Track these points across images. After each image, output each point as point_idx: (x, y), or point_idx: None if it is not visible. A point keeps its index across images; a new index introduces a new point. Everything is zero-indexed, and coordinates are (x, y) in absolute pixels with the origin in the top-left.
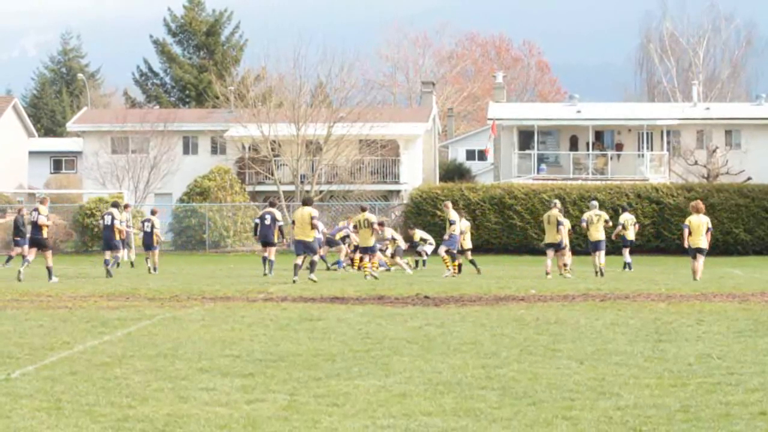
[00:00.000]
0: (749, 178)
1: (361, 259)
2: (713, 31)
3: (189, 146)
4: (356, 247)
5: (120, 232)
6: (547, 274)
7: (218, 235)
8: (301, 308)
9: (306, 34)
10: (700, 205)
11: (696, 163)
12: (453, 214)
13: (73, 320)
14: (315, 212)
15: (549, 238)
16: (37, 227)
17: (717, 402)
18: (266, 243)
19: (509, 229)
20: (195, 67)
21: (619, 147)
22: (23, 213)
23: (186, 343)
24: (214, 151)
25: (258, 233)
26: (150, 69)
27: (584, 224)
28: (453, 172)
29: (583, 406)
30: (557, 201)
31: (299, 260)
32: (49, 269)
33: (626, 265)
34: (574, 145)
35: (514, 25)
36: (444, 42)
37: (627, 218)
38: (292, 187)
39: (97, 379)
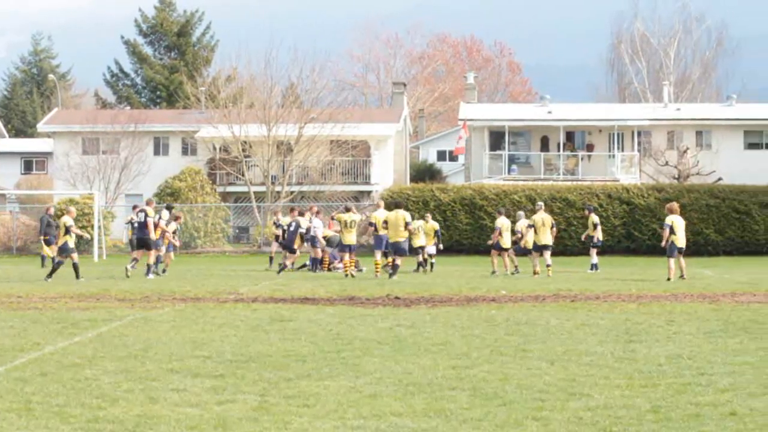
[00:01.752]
0: (720, 179)
1: (342, 258)
2: (684, 31)
3: (160, 147)
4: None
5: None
6: (535, 273)
7: (189, 236)
8: (272, 309)
9: (277, 35)
10: (677, 205)
11: (667, 163)
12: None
13: (44, 321)
14: (408, 215)
15: (545, 239)
16: (143, 228)
17: (687, 402)
18: (288, 249)
19: (480, 230)
20: (166, 68)
21: (589, 148)
22: (50, 212)
23: (156, 344)
24: (184, 151)
25: (284, 239)
26: (121, 70)
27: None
28: (424, 173)
29: (553, 406)
30: (542, 203)
31: (398, 260)
32: (148, 266)
33: (593, 266)
34: (545, 145)
35: (485, 25)
36: (415, 43)
37: (595, 219)
38: (262, 188)
39: (67, 380)
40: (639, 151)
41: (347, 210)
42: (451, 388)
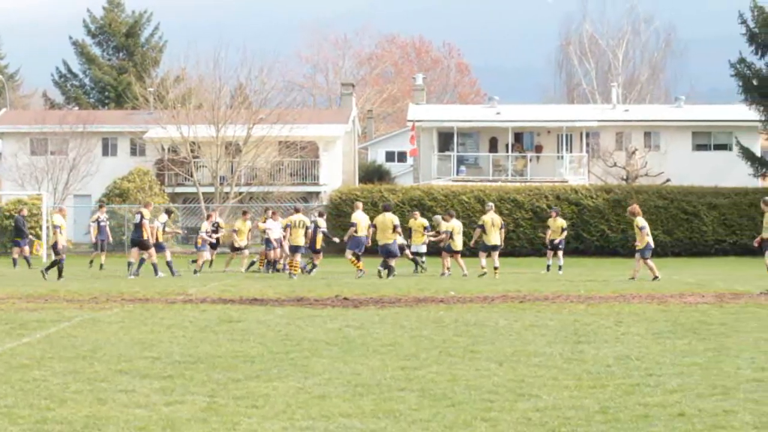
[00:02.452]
0: (668, 180)
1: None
2: (633, 33)
3: (108, 148)
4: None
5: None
6: (484, 273)
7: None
8: (221, 310)
9: (226, 36)
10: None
11: (615, 164)
12: (354, 215)
13: None
14: (396, 218)
15: (496, 239)
16: (138, 228)
17: (636, 403)
18: (313, 249)
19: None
20: (114, 69)
21: (538, 149)
22: (23, 213)
23: (105, 345)
24: (133, 152)
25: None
26: (69, 70)
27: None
28: (373, 174)
29: (502, 407)
30: (492, 204)
31: (392, 262)
32: (154, 266)
33: (560, 267)
34: (493, 146)
35: (434, 27)
36: (364, 44)
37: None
38: (211, 189)
39: (15, 381)
40: (588, 152)
41: (296, 211)
42: (400, 389)
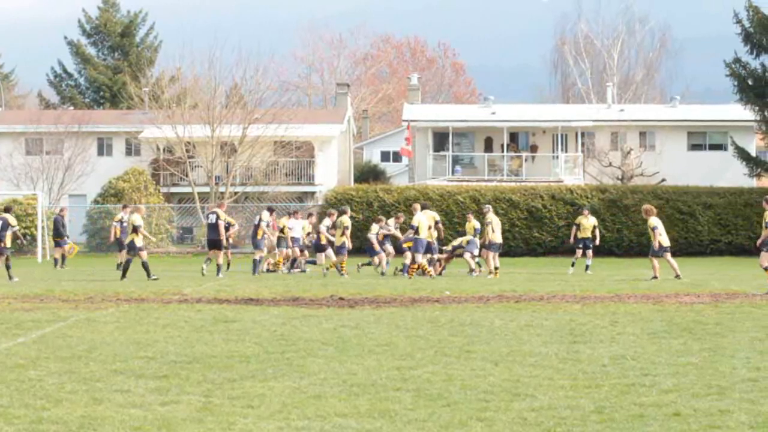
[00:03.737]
0: (663, 180)
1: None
2: (628, 33)
3: (103, 147)
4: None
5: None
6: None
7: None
8: (216, 310)
9: (221, 36)
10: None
11: (610, 164)
12: (415, 217)
13: None
14: (436, 214)
15: (500, 239)
16: (215, 229)
17: (631, 403)
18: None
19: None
20: (110, 69)
21: (533, 148)
22: (63, 214)
23: (100, 344)
24: (128, 152)
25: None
26: (64, 70)
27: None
28: (368, 174)
29: (497, 407)
30: (490, 206)
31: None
32: (218, 266)
33: (587, 267)
34: (488, 146)
35: (429, 26)
36: (359, 44)
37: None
38: (206, 189)
39: (11, 381)
40: (583, 152)
41: (343, 213)
42: (395, 388)
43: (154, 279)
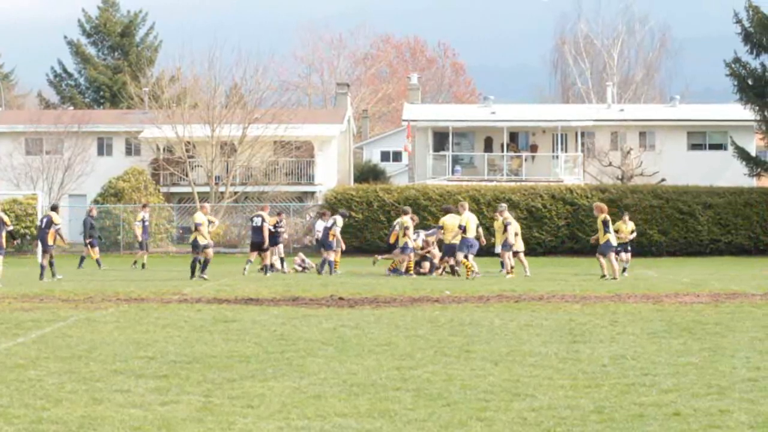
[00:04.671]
0: (663, 180)
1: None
2: (628, 32)
3: (103, 147)
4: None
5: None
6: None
7: (133, 236)
8: (216, 310)
9: (221, 36)
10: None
11: (610, 164)
12: (463, 216)
13: None
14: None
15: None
16: (259, 231)
17: (631, 403)
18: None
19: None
20: (109, 68)
21: (533, 148)
22: (93, 215)
23: (100, 344)
24: (128, 152)
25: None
26: (64, 70)
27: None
28: (368, 174)
29: (497, 407)
30: (505, 205)
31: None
32: (264, 266)
33: (624, 269)
34: (488, 146)
35: (429, 26)
36: (359, 43)
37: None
38: (206, 189)
39: (11, 381)
40: (583, 151)
41: (404, 213)
42: (395, 388)
43: (203, 278)
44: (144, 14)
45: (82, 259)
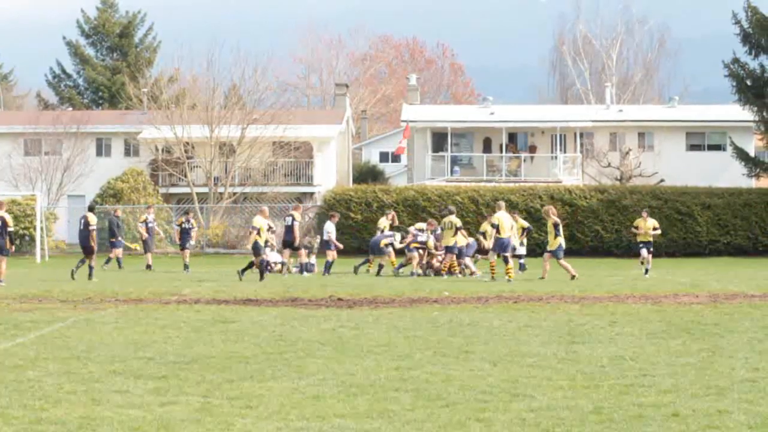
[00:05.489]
0: (662, 180)
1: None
2: (626, 33)
3: (102, 148)
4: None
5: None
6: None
7: (132, 237)
8: (215, 310)
9: (219, 36)
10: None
11: (609, 165)
12: (497, 216)
13: None
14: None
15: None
16: (290, 232)
17: (630, 403)
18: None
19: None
20: (108, 69)
21: (532, 149)
22: (118, 215)
23: (99, 345)
24: (127, 152)
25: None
26: (63, 70)
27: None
28: (367, 174)
29: (496, 407)
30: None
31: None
32: (301, 265)
33: (647, 270)
34: (487, 147)
35: (427, 27)
36: (358, 44)
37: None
38: (205, 189)
39: (9, 382)
40: (581, 152)
41: (450, 213)
42: (394, 389)
43: (262, 280)
44: (143, 15)
45: (109, 259)
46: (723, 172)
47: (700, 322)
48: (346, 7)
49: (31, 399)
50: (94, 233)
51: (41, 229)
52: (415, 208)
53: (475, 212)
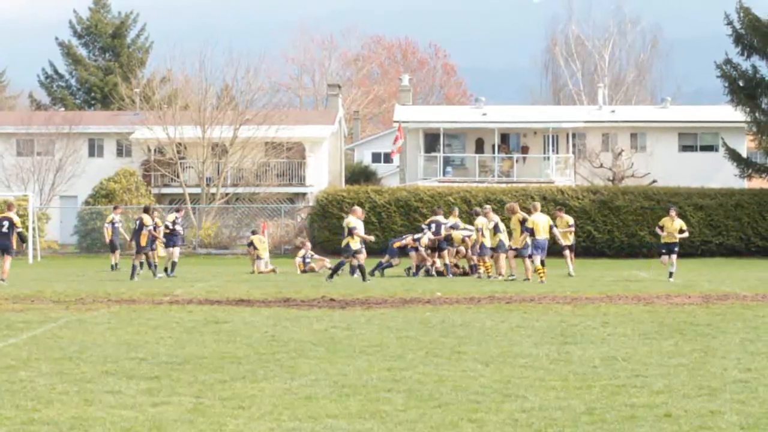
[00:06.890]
0: (654, 181)
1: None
2: (619, 34)
3: (94, 148)
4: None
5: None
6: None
7: (124, 237)
8: (207, 311)
9: (211, 37)
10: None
11: (601, 165)
12: (532, 218)
13: None
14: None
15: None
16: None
17: (622, 404)
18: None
19: (414, 232)
20: (101, 69)
21: (524, 150)
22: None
23: (91, 346)
24: (119, 153)
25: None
26: (55, 71)
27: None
28: (359, 175)
29: (488, 408)
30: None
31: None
32: (352, 267)
33: (671, 274)
34: (479, 147)
35: (420, 28)
36: (350, 45)
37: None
38: (197, 190)
39: (1, 382)
40: (574, 153)
41: (481, 214)
42: (386, 389)
43: (367, 281)
44: (135, 15)
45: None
46: (715, 173)
47: (692, 323)
48: (338, 7)
49: (23, 399)
50: (151, 233)
51: (33, 229)
52: (408, 208)
53: (467, 213)
